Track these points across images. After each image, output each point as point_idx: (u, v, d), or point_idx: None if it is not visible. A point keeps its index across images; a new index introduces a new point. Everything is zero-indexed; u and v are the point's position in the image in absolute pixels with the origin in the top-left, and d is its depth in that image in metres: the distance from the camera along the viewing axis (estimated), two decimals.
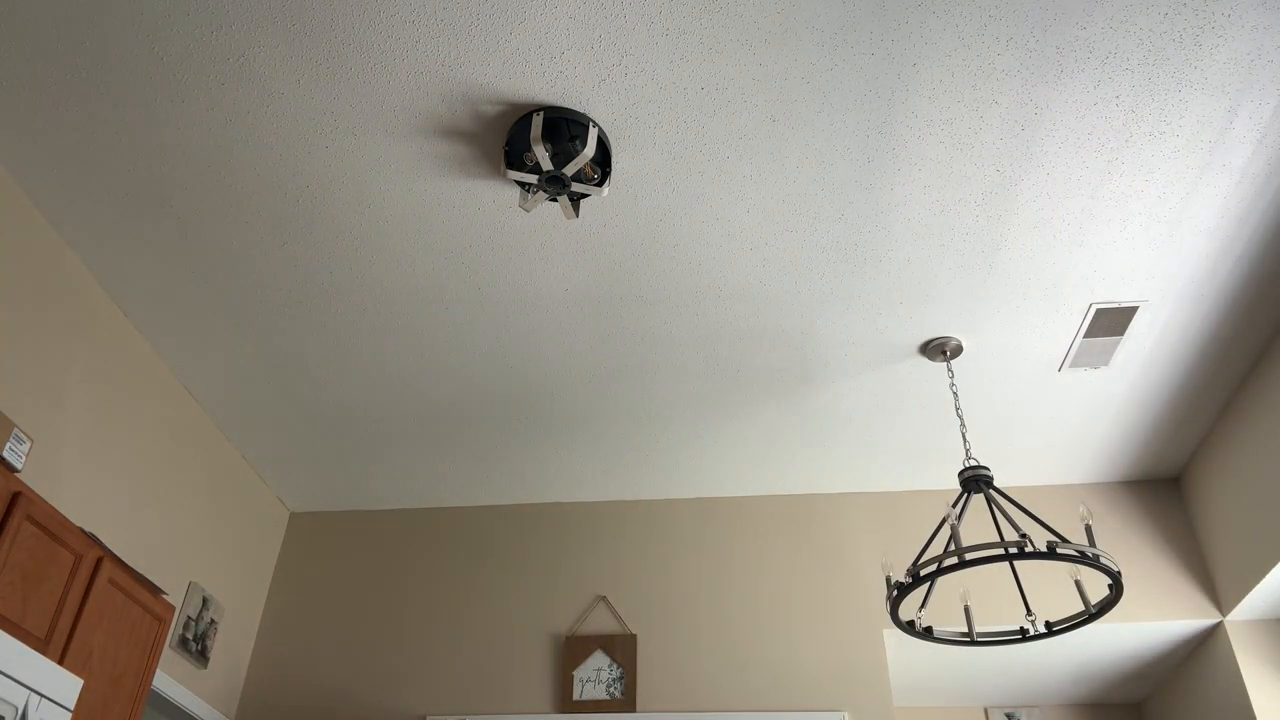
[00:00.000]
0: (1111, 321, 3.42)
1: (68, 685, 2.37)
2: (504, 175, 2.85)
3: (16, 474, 2.61)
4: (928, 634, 3.18)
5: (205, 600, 3.92)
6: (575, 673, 4.10)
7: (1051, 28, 2.45)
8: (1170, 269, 3.21)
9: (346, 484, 4.52)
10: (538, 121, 2.65)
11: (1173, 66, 2.55)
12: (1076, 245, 3.12)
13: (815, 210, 3.00)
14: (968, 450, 3.27)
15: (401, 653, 4.29)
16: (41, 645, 2.44)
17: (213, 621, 3.96)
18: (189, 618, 3.80)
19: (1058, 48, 2.50)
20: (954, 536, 2.81)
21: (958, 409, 3.45)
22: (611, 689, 4.05)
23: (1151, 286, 3.28)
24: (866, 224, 3.05)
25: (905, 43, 2.49)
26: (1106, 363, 3.61)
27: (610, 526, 4.52)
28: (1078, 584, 3.14)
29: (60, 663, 2.50)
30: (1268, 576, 3.62)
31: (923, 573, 2.91)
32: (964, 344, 3.54)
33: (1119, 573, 2.87)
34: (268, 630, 4.41)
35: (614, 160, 2.82)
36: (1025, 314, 3.40)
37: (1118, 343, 3.51)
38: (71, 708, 2.38)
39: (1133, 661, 4.35)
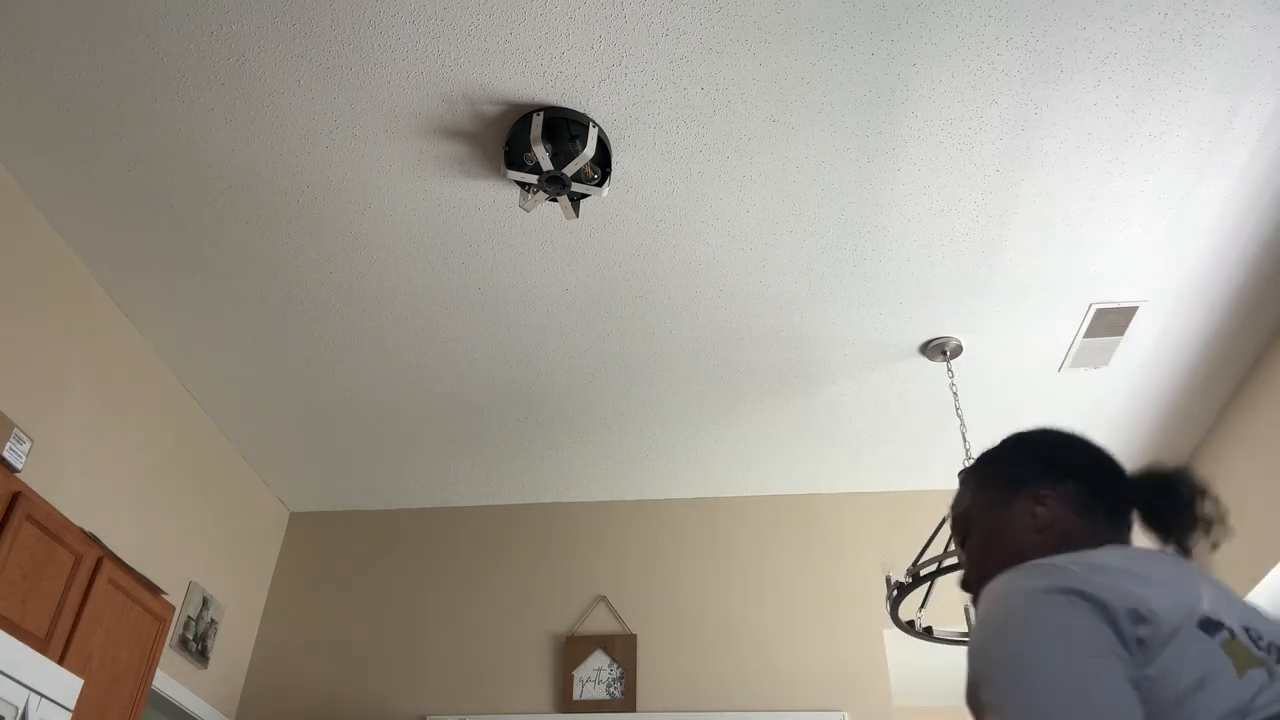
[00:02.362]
0: (1111, 321, 3.42)
1: (68, 685, 2.37)
2: (504, 175, 2.85)
3: (16, 474, 2.61)
4: (928, 634, 3.18)
5: (205, 600, 3.92)
6: (575, 673, 4.10)
7: (1051, 28, 2.45)
8: (1170, 269, 3.21)
9: (346, 484, 4.52)
10: (538, 121, 2.65)
11: (1172, 66, 2.54)
12: (1076, 245, 3.12)
13: (815, 210, 3.00)
14: (968, 450, 3.27)
15: (401, 653, 4.29)
16: (41, 645, 2.44)
17: (213, 621, 3.96)
18: (189, 618, 3.80)
19: (1058, 48, 2.50)
20: None
21: (958, 409, 3.44)
22: (611, 689, 4.04)
23: (1151, 286, 3.28)
24: (866, 224, 3.05)
25: (905, 43, 2.49)
26: (1106, 363, 3.61)
27: (610, 526, 4.52)
28: None
29: (60, 663, 2.50)
30: (1268, 576, 3.62)
31: (923, 573, 2.91)
32: (964, 344, 3.54)
33: None
34: (268, 630, 4.41)
35: (614, 160, 2.82)
36: (1025, 314, 3.40)
37: (1118, 343, 3.51)
38: (71, 708, 2.38)
39: None
